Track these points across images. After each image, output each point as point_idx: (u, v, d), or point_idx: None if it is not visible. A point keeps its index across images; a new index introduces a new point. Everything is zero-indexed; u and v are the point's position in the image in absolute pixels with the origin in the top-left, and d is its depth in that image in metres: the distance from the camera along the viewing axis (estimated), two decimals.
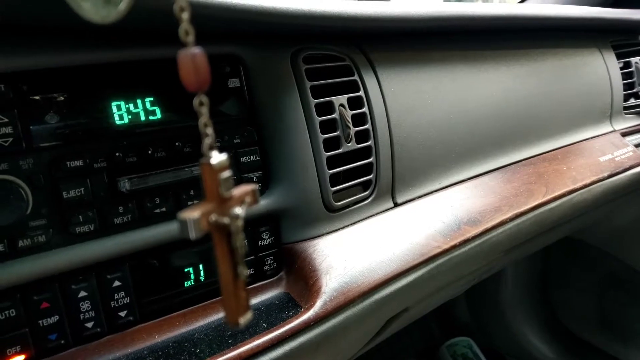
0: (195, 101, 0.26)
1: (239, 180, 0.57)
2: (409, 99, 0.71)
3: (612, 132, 1.06)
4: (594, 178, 0.90)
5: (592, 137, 1.02)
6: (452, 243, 0.67)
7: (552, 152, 0.93)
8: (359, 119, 0.65)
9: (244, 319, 0.27)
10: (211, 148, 0.26)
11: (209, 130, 0.26)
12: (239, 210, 0.26)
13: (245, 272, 0.26)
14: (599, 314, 1.53)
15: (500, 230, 0.74)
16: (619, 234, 1.39)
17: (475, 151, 0.81)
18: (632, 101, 1.12)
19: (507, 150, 0.86)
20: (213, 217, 0.25)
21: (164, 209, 0.52)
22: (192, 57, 0.24)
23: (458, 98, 0.78)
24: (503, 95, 0.85)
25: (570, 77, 0.98)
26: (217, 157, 0.26)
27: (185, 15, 0.25)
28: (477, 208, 0.74)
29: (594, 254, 1.49)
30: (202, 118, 0.25)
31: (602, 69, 1.05)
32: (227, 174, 0.26)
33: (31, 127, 0.46)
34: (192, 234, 0.25)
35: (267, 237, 0.60)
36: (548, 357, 1.58)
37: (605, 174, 0.92)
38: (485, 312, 1.66)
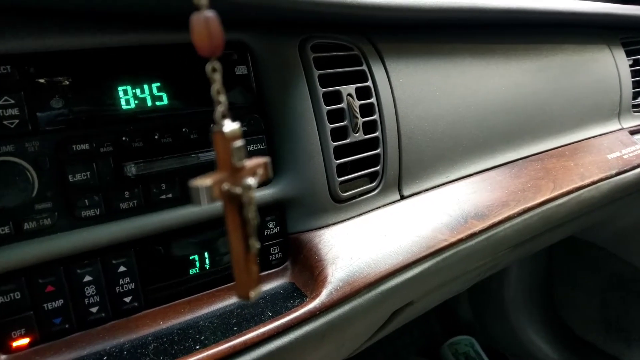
0: (208, 67, 0.25)
1: None
2: (417, 90, 0.71)
3: (620, 129, 1.06)
4: (601, 175, 0.89)
5: (600, 135, 1.01)
6: (459, 236, 0.67)
7: (560, 149, 0.93)
8: (366, 110, 0.65)
9: (255, 292, 0.26)
10: (224, 116, 0.25)
11: (222, 98, 0.25)
12: (251, 181, 0.26)
13: (257, 245, 0.26)
14: (603, 315, 1.52)
15: (507, 225, 0.74)
16: (624, 235, 1.38)
17: (483, 145, 0.80)
18: None
19: (515, 145, 0.85)
20: (225, 186, 0.25)
21: (169, 195, 0.52)
22: (206, 21, 0.24)
23: (467, 91, 0.77)
24: (512, 90, 0.85)
25: (579, 74, 0.98)
26: (230, 125, 0.26)
27: None
28: (484, 202, 0.73)
29: (598, 254, 1.49)
30: (215, 85, 0.25)
31: (611, 65, 1.05)
32: (239, 143, 0.26)
33: (38, 110, 0.45)
34: (204, 202, 0.24)
35: (272, 226, 0.59)
36: (550, 358, 1.57)
37: (613, 172, 0.92)
38: (488, 311, 1.66)
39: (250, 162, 0.27)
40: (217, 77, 0.25)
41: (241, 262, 0.25)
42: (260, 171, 0.27)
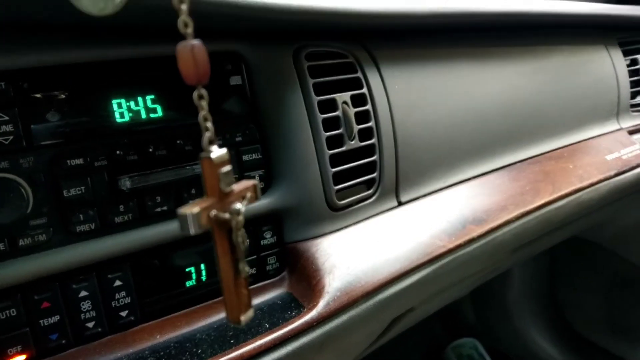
0: (195, 94, 0.25)
1: (240, 179, 0.57)
2: (413, 96, 0.71)
3: (618, 130, 1.05)
4: (600, 177, 0.89)
5: (598, 135, 1.01)
6: (457, 242, 0.67)
7: (558, 151, 0.92)
8: (362, 117, 0.65)
9: (245, 316, 0.26)
10: (211, 142, 0.25)
11: (209, 124, 0.25)
12: (239, 206, 0.26)
13: (246, 269, 0.26)
14: (606, 315, 1.52)
15: (506, 229, 0.73)
16: (626, 234, 1.37)
17: (480, 149, 0.80)
18: (639, 99, 1.11)
19: (513, 148, 0.85)
20: (213, 213, 0.25)
21: (165, 208, 0.51)
22: (192, 49, 0.24)
23: (463, 96, 0.77)
24: (509, 93, 0.84)
25: (577, 75, 0.97)
26: (217, 152, 0.26)
27: (184, 7, 0.24)
28: (482, 207, 0.73)
29: (600, 254, 1.48)
30: (202, 112, 0.25)
31: (609, 66, 1.04)
32: (227, 168, 0.26)
33: (32, 125, 0.45)
34: (192, 230, 0.24)
35: (269, 236, 0.59)
36: (554, 358, 1.57)
37: (612, 173, 0.91)
38: (491, 313, 1.65)
39: (238, 186, 0.27)
40: (204, 104, 0.25)
41: (231, 287, 0.25)
42: (249, 194, 0.27)
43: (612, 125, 1.05)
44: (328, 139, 0.61)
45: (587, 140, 0.98)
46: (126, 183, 0.49)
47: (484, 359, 1.53)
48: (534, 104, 0.89)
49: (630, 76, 1.08)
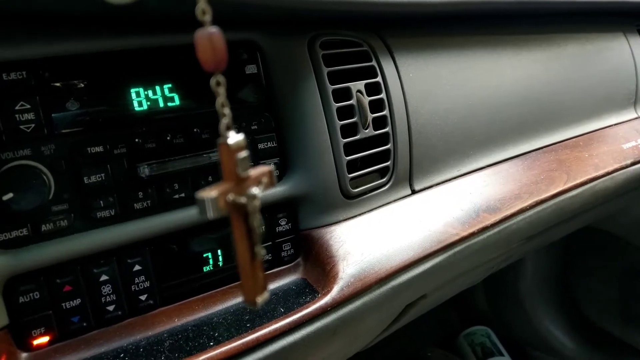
0: (212, 81, 0.26)
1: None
2: (427, 85, 0.71)
3: (636, 118, 1.04)
4: (616, 165, 0.88)
5: (615, 124, 1.00)
6: (471, 231, 0.67)
7: (574, 139, 0.92)
8: (376, 105, 0.65)
9: (261, 298, 0.27)
10: (228, 128, 0.26)
11: (226, 111, 0.26)
12: (255, 190, 0.26)
13: (263, 252, 0.27)
14: (620, 305, 1.51)
15: (519, 218, 0.73)
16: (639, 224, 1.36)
17: (495, 138, 0.79)
18: None
19: (527, 137, 0.85)
20: (230, 197, 0.26)
21: (182, 195, 0.53)
22: (210, 36, 0.25)
23: (478, 84, 0.77)
24: (524, 81, 0.84)
25: (594, 63, 0.96)
26: (234, 137, 0.26)
27: None
28: (496, 195, 0.73)
29: (615, 243, 1.47)
30: (219, 98, 0.26)
31: (627, 53, 1.03)
32: (244, 154, 0.26)
33: (53, 114, 0.46)
34: (210, 213, 0.25)
35: (284, 223, 0.60)
36: (568, 348, 1.57)
37: (629, 162, 0.90)
38: (504, 302, 1.65)
39: (254, 172, 0.27)
40: (222, 91, 0.25)
41: (247, 269, 0.26)
42: (264, 180, 0.28)
43: (629, 114, 1.04)
44: (342, 127, 0.61)
45: (603, 129, 0.97)
46: (145, 170, 0.50)
47: (496, 347, 1.53)
48: (550, 93, 0.88)
49: None
